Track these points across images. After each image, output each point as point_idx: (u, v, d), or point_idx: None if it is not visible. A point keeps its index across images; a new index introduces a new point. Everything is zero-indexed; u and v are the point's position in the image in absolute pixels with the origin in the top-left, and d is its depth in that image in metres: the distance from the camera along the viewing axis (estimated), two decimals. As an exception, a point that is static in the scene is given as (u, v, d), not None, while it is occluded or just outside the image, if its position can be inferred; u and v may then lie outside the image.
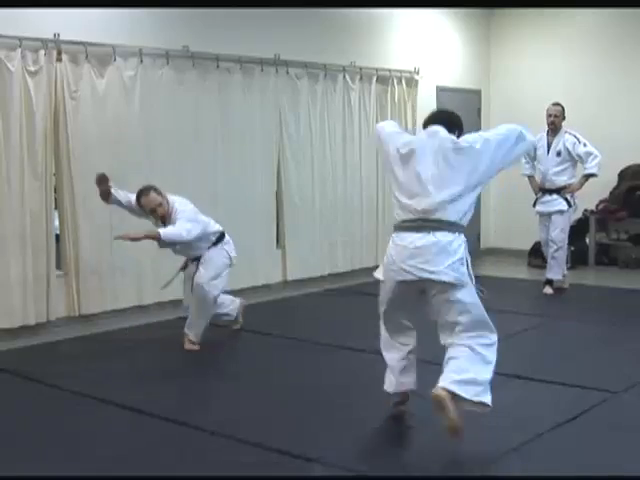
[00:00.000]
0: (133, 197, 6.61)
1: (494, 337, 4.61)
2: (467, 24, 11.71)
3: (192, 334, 6.63)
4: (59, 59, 7.25)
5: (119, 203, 6.70)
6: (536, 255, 11.04)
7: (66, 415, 5.11)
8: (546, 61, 11.52)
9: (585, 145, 8.69)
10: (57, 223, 7.55)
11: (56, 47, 7.23)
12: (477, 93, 12.04)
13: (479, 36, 11.96)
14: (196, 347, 6.58)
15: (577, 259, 10.67)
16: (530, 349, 6.79)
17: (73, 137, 7.40)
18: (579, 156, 8.71)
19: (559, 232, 8.85)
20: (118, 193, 6.65)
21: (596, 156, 8.64)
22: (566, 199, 8.81)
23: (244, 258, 8.77)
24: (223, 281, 6.88)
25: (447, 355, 4.54)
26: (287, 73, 9.15)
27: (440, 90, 11.36)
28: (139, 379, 5.86)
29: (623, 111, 10.73)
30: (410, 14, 10.68)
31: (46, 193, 7.28)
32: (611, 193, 10.79)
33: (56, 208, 7.49)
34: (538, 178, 9.09)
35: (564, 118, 8.88)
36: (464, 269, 4.51)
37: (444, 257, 4.44)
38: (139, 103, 7.89)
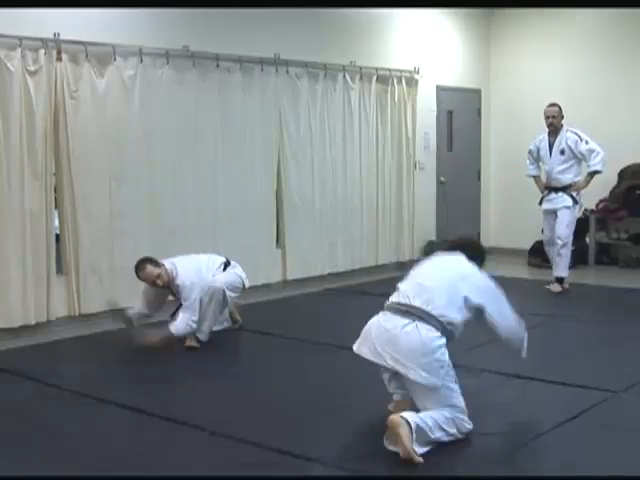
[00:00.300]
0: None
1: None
2: (467, 24, 11.71)
3: (202, 335, 6.67)
4: (59, 59, 7.24)
5: (142, 316, 6.94)
6: (536, 254, 11.05)
7: (66, 415, 5.11)
8: (546, 61, 11.51)
9: (587, 142, 8.70)
10: (57, 223, 7.55)
11: (56, 47, 7.22)
12: (477, 93, 12.04)
13: (479, 36, 11.95)
14: (197, 345, 6.58)
15: (577, 258, 10.66)
16: (530, 349, 6.75)
17: (73, 137, 7.39)
18: (581, 154, 8.72)
19: (565, 228, 8.85)
20: (135, 312, 6.88)
21: (599, 153, 8.64)
22: (572, 196, 8.81)
23: (244, 258, 8.76)
24: (233, 296, 6.97)
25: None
26: (287, 73, 9.15)
27: (440, 90, 11.36)
28: (139, 379, 5.86)
29: (623, 111, 10.73)
30: (410, 14, 10.68)
31: (46, 193, 7.28)
32: (611, 192, 10.79)
33: (56, 208, 7.48)
34: (543, 178, 9.09)
35: (563, 117, 8.88)
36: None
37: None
38: (139, 103, 7.89)
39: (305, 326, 7.53)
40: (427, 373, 4.32)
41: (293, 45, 9.17)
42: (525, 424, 4.76)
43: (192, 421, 4.84)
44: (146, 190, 7.98)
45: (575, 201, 8.84)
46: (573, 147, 8.73)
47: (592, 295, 9.07)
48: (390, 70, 10.37)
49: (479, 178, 12.14)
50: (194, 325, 6.56)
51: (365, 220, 10.29)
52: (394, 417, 4.21)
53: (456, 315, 4.50)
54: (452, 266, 4.70)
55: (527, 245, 11.27)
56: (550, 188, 8.98)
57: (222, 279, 6.77)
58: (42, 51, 7.13)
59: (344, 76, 9.83)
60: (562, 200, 8.87)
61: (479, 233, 12.14)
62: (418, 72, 10.80)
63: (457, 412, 4.41)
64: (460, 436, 4.38)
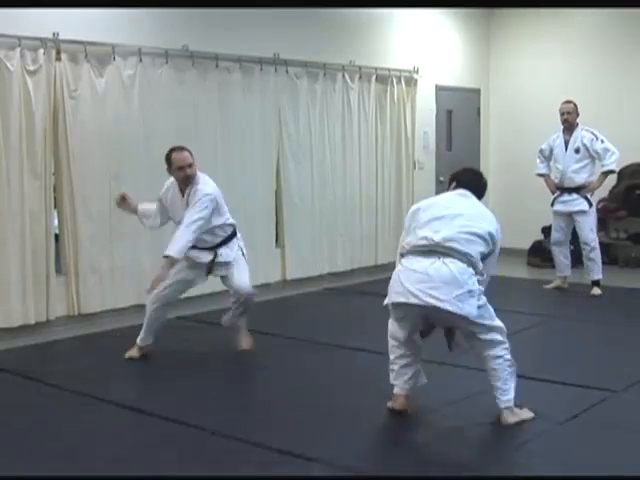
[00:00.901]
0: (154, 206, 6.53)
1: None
2: (467, 23, 11.71)
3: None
4: (58, 58, 7.24)
5: (145, 214, 6.62)
6: (535, 254, 11.06)
7: (66, 414, 5.11)
8: (546, 61, 11.51)
9: (603, 141, 8.64)
10: (56, 222, 7.55)
11: (55, 46, 7.22)
12: (477, 92, 12.04)
13: (479, 35, 11.95)
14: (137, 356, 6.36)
15: (577, 258, 10.66)
16: (530, 348, 6.78)
17: (72, 136, 7.39)
18: (597, 153, 8.65)
19: (589, 232, 8.80)
20: (143, 205, 6.62)
21: (614, 152, 8.60)
22: (586, 198, 8.75)
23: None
24: None
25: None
26: (286, 72, 9.14)
27: (439, 89, 11.36)
28: (139, 378, 5.86)
29: (622, 110, 10.73)
30: (409, 13, 10.68)
31: (45, 193, 7.27)
32: (610, 192, 10.79)
33: (55, 207, 7.48)
34: (555, 177, 9.01)
35: (578, 114, 8.83)
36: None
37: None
38: (138, 102, 7.89)
39: (304, 326, 7.54)
40: (462, 303, 4.50)
41: (292, 45, 9.17)
42: (525, 423, 4.75)
43: (192, 421, 4.84)
44: (146, 190, 7.95)
45: (590, 203, 8.76)
46: (589, 146, 8.66)
47: (591, 295, 9.06)
48: (389, 70, 10.37)
49: (478, 178, 12.12)
50: (192, 240, 6.05)
51: (364, 220, 10.29)
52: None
53: (476, 249, 4.66)
54: (468, 205, 4.94)
55: (526, 245, 11.28)
56: (562, 189, 8.88)
57: (248, 282, 6.45)
58: (41, 51, 7.13)
59: (343, 76, 9.83)
60: (577, 203, 8.77)
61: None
62: (417, 72, 10.80)
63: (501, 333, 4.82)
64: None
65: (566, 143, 8.84)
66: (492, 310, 4.74)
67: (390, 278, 4.81)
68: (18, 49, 6.98)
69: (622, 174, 10.68)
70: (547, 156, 9.05)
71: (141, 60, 7.85)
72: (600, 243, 10.73)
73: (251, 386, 5.66)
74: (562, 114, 8.84)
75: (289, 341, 6.91)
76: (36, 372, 5.98)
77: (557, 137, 8.97)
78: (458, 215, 4.76)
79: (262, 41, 8.87)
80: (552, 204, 9.02)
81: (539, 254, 10.96)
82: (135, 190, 7.84)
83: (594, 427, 4.74)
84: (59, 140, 7.35)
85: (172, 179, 6.29)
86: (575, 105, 8.83)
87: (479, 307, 4.60)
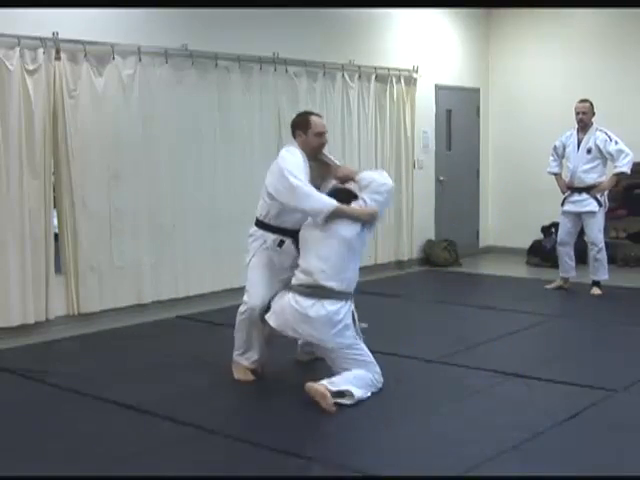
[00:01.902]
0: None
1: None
2: (466, 23, 11.71)
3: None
4: (58, 58, 7.23)
5: None
6: (535, 254, 11.06)
7: (65, 414, 5.11)
8: (545, 60, 11.52)
9: (617, 143, 8.60)
10: (56, 222, 7.54)
11: (55, 46, 7.21)
12: (476, 92, 12.04)
13: (478, 35, 11.95)
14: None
15: (576, 257, 10.66)
16: (529, 347, 6.79)
17: (72, 136, 7.39)
18: (610, 154, 8.61)
19: (597, 233, 8.77)
20: None
21: (628, 154, 8.56)
22: (596, 198, 8.71)
23: (243, 256, 8.77)
24: None
25: None
26: (286, 72, 9.14)
27: (439, 89, 11.36)
28: (138, 378, 5.85)
29: (622, 110, 10.72)
30: (409, 13, 10.67)
31: (45, 192, 7.27)
32: (610, 191, 10.76)
33: (55, 207, 7.47)
34: (566, 176, 8.96)
35: (594, 114, 8.79)
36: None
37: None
38: (138, 102, 7.88)
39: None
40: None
41: (292, 44, 9.16)
42: (525, 423, 4.75)
43: (191, 420, 4.84)
44: (145, 189, 7.97)
45: (600, 203, 8.73)
46: (602, 147, 8.61)
47: (590, 294, 9.06)
48: (389, 69, 10.37)
49: (478, 177, 12.14)
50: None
51: (364, 219, 10.26)
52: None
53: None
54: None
55: (526, 244, 11.27)
56: (573, 188, 8.83)
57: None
58: (41, 50, 7.12)
59: (343, 75, 9.83)
60: (587, 204, 8.74)
61: (478, 232, 12.15)
62: (417, 71, 10.80)
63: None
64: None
65: (579, 142, 8.79)
66: None
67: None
68: (17, 48, 6.97)
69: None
70: (560, 154, 9.00)
71: (140, 59, 7.84)
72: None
73: (250, 385, 5.65)
74: (577, 113, 8.79)
75: (286, 339, 6.89)
76: (35, 372, 5.97)
77: (571, 135, 8.92)
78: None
79: (261, 40, 8.86)
80: (562, 204, 8.98)
81: (538, 253, 10.95)
82: (134, 189, 7.87)
83: (593, 426, 4.74)
84: (58, 139, 7.35)
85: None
86: (591, 104, 8.79)
87: None
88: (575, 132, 8.88)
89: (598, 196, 8.73)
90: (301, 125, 5.59)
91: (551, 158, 9.09)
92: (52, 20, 7.17)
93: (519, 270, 10.65)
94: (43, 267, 7.28)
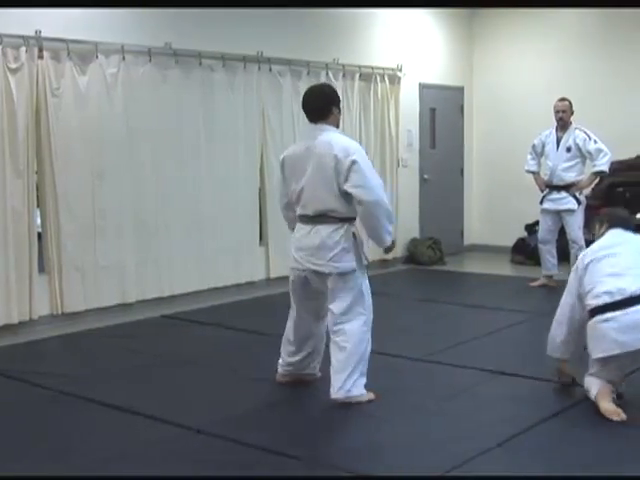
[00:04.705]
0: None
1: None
2: (450, 22, 11.73)
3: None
4: (41, 56, 7.20)
5: None
6: (519, 252, 11.08)
7: (50, 414, 5.08)
8: (529, 59, 11.55)
9: (596, 142, 8.65)
10: (39, 221, 7.51)
11: (38, 44, 7.18)
12: (460, 90, 12.06)
13: (462, 34, 11.97)
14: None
15: (560, 255, 10.69)
16: (514, 345, 6.81)
17: (55, 134, 7.35)
18: (589, 153, 8.66)
19: (577, 231, 8.82)
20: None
21: (606, 154, 8.61)
22: (575, 196, 8.77)
23: (227, 256, 8.78)
24: None
25: None
26: (270, 70, 9.13)
27: (423, 87, 11.38)
28: (123, 377, 5.83)
29: (605, 109, 10.76)
30: (393, 12, 10.67)
31: (28, 191, 7.23)
32: (593, 189, 10.80)
33: (38, 206, 7.44)
34: (545, 175, 9.02)
35: (572, 113, 8.85)
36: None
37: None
38: (121, 100, 7.86)
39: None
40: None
41: (276, 43, 9.16)
42: (510, 419, 4.77)
43: (177, 420, 4.83)
44: (129, 188, 7.95)
45: (579, 201, 8.78)
46: (581, 145, 8.67)
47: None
48: (373, 68, 10.37)
49: (462, 175, 12.17)
50: None
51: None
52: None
53: None
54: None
55: (510, 242, 11.30)
56: (552, 187, 8.89)
57: None
58: (23, 49, 7.09)
59: (327, 74, 9.82)
60: (566, 202, 8.80)
61: (462, 230, 12.18)
62: (401, 70, 10.81)
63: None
64: None
65: (558, 141, 8.86)
66: None
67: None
68: (0, 47, 6.93)
69: (605, 172, 10.72)
70: (539, 152, 9.06)
71: (124, 58, 7.82)
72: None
73: (238, 385, 5.64)
74: (557, 112, 8.85)
75: (274, 339, 6.89)
76: (20, 372, 5.94)
77: (550, 134, 8.98)
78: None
79: (246, 39, 8.85)
80: (541, 202, 9.03)
81: (523, 251, 10.98)
82: (118, 188, 7.85)
83: (578, 423, 4.75)
84: (42, 138, 7.32)
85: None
86: (570, 103, 8.86)
87: None
88: (554, 131, 8.94)
89: (577, 194, 8.80)
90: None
91: (529, 157, 9.15)
92: (35, 18, 7.14)
93: (503, 268, 10.68)
94: (26, 267, 7.25)
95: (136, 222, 8.01)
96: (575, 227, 8.82)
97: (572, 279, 5.18)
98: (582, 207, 8.87)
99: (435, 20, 11.48)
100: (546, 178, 8.98)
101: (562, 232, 9.91)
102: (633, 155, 10.45)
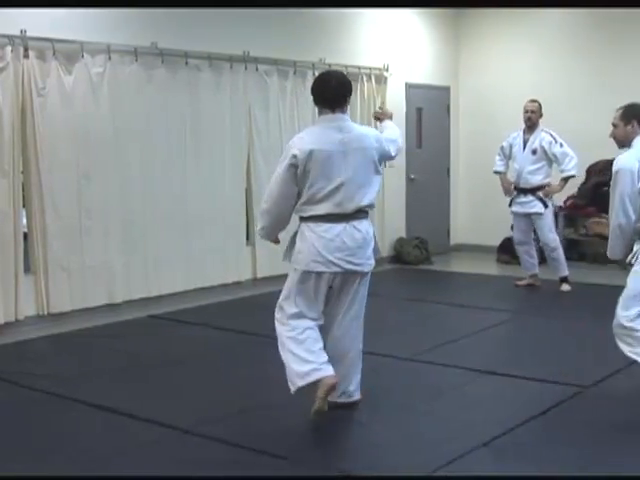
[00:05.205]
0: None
1: None
2: (436, 22, 11.74)
3: None
4: (26, 55, 7.17)
5: None
6: (505, 251, 11.10)
7: (36, 415, 5.07)
8: (514, 59, 11.58)
9: (562, 145, 8.65)
10: (25, 221, 7.48)
11: (23, 44, 7.15)
12: (446, 90, 12.08)
13: (448, 34, 11.99)
14: None
15: (541, 254, 10.74)
16: (500, 345, 6.84)
17: (41, 134, 7.33)
18: (555, 156, 8.66)
19: (548, 233, 8.81)
20: None
21: (573, 157, 8.61)
22: (541, 199, 8.75)
23: (214, 255, 8.77)
24: None
25: None
26: (256, 70, 9.12)
27: (409, 87, 11.39)
28: (110, 378, 5.82)
29: (591, 108, 10.79)
30: (379, 12, 10.67)
31: (13, 191, 7.20)
32: (579, 189, 10.86)
33: (24, 206, 7.41)
34: (512, 176, 9.03)
35: (541, 115, 8.86)
36: None
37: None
38: (107, 100, 7.83)
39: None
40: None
41: (262, 42, 9.14)
42: (496, 419, 4.78)
43: (165, 420, 4.82)
44: (115, 188, 7.93)
45: (545, 204, 8.77)
46: (547, 148, 8.67)
47: (561, 291, 9.12)
48: (360, 67, 10.37)
49: (448, 175, 12.19)
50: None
51: (335, 217, 10.27)
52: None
53: None
54: None
55: (496, 242, 11.33)
56: (519, 189, 8.91)
57: None
58: (9, 48, 7.06)
59: (314, 73, 9.79)
60: (533, 205, 8.78)
61: (448, 230, 12.20)
62: (387, 69, 10.82)
63: None
64: None
65: (525, 143, 8.87)
66: None
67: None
68: (-15, 46, 6.92)
69: (590, 171, 10.76)
70: (507, 154, 9.08)
71: (110, 58, 7.79)
72: (569, 240, 10.86)
73: (223, 384, 5.64)
74: (526, 112, 8.86)
75: (261, 339, 6.89)
76: (5, 372, 5.92)
77: (517, 136, 9.00)
78: None
79: (232, 39, 8.84)
80: (510, 204, 9.05)
81: (509, 251, 10.98)
82: (104, 188, 7.83)
83: (564, 422, 4.78)
84: (27, 138, 7.29)
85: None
86: (540, 105, 8.87)
87: None
88: (521, 133, 8.95)
89: (544, 197, 8.77)
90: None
91: (497, 157, 9.17)
92: (20, 18, 7.10)
93: (489, 267, 10.71)
94: (12, 267, 7.22)
95: (123, 222, 7.99)
96: (545, 230, 8.82)
97: (628, 181, 4.88)
98: (550, 209, 8.87)
99: (421, 20, 11.50)
100: (514, 180, 8.99)
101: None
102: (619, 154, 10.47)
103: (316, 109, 4.95)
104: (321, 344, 4.82)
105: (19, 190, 7.31)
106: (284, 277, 9.31)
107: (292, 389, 4.78)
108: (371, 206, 4.89)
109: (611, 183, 5.02)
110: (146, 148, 8.15)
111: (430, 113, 11.79)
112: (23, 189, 7.38)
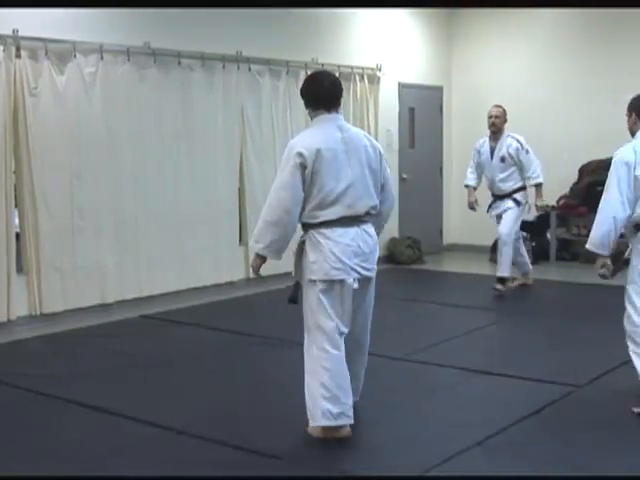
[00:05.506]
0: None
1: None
2: (429, 22, 11.74)
3: None
4: (18, 55, 7.15)
5: None
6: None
7: (29, 415, 5.06)
8: (507, 59, 11.59)
9: (527, 152, 8.52)
10: (17, 221, 7.46)
11: (15, 43, 7.13)
12: (439, 90, 12.08)
13: (441, 34, 12.00)
14: None
15: (538, 255, 10.76)
16: (493, 344, 6.84)
17: (33, 134, 7.31)
18: (521, 162, 8.52)
19: (505, 227, 8.63)
20: None
21: (538, 164, 8.53)
22: (515, 200, 8.64)
23: (207, 255, 8.76)
24: None
25: None
26: (249, 70, 9.11)
27: (402, 87, 11.39)
28: (103, 378, 5.81)
29: (583, 108, 10.82)
30: (372, 12, 10.68)
31: (6, 191, 7.18)
32: (571, 189, 10.89)
33: (16, 206, 7.39)
34: (486, 183, 8.91)
35: (506, 120, 8.72)
36: None
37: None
38: (100, 100, 7.82)
39: (269, 323, 7.52)
40: None
41: (255, 42, 9.14)
42: (489, 418, 4.78)
43: (158, 421, 4.82)
44: (108, 188, 7.91)
45: (518, 203, 8.65)
46: (514, 155, 8.54)
47: (553, 291, 9.15)
48: (352, 67, 10.37)
49: (441, 175, 12.20)
50: None
51: (328, 217, 10.26)
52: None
53: None
54: None
55: (489, 241, 11.33)
56: (495, 196, 8.82)
57: None
58: (1, 48, 7.04)
59: (306, 73, 9.78)
60: (506, 203, 8.70)
61: (441, 230, 12.20)
62: (380, 69, 10.82)
63: None
64: None
65: (492, 150, 8.73)
66: None
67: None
68: (-23, 46, 6.90)
69: (583, 171, 10.78)
70: (477, 162, 8.92)
71: (102, 57, 7.78)
72: (561, 240, 10.89)
73: (216, 385, 5.64)
74: (490, 117, 8.72)
75: (254, 339, 6.89)
76: (-2, 373, 5.92)
77: (484, 142, 8.88)
78: None
79: (225, 39, 8.83)
80: (487, 210, 8.95)
81: (501, 251, 11.02)
82: (97, 188, 7.82)
83: (557, 422, 4.78)
84: (19, 138, 7.27)
85: None
86: (504, 110, 8.72)
87: None
88: (487, 139, 8.83)
89: (517, 197, 8.65)
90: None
91: (469, 169, 9.02)
92: (12, 17, 7.09)
93: (482, 267, 10.71)
94: (4, 267, 7.19)
95: (115, 222, 7.97)
96: (508, 220, 8.65)
97: (623, 173, 4.92)
98: (521, 208, 8.72)
99: (414, 20, 11.50)
100: (488, 187, 8.89)
101: (539, 231, 9.98)
102: (612, 154, 10.49)
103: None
104: (349, 378, 4.57)
105: (11, 190, 7.29)
106: (277, 277, 9.35)
107: (312, 424, 4.52)
108: (377, 207, 4.69)
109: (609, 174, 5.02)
110: (139, 148, 8.14)
111: (423, 113, 11.80)
112: (15, 189, 7.36)
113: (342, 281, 4.45)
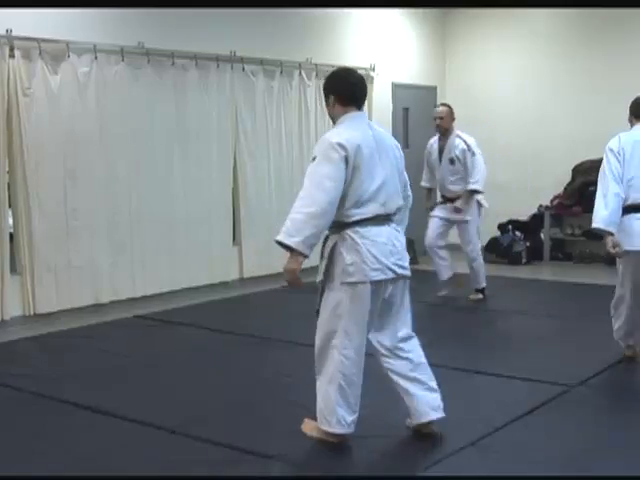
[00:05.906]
0: None
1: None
2: (423, 22, 11.75)
3: None
4: (11, 55, 7.14)
5: None
6: (491, 251, 11.12)
7: (22, 415, 5.05)
8: (501, 59, 11.61)
9: (474, 154, 8.07)
10: (11, 221, 7.45)
11: (8, 43, 7.12)
12: (433, 90, 12.08)
13: (435, 34, 12.01)
14: None
15: (532, 254, 10.78)
16: (486, 344, 6.84)
17: (27, 134, 7.30)
18: (465, 165, 8.11)
19: (467, 243, 8.33)
20: None
21: (480, 170, 8.06)
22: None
23: (201, 255, 8.76)
24: None
25: None
26: (243, 70, 9.11)
27: (396, 87, 11.39)
28: (97, 378, 5.81)
29: (576, 108, 10.85)
30: (366, 11, 10.68)
31: (-1, 191, 7.19)
32: (565, 189, 10.91)
33: (10, 206, 7.38)
34: (437, 185, 8.54)
35: (453, 119, 8.34)
36: None
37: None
38: (94, 100, 7.81)
39: (263, 323, 7.53)
40: None
41: (249, 42, 9.14)
42: (482, 418, 4.79)
43: (151, 420, 4.81)
44: (102, 188, 7.91)
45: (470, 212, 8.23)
46: (461, 157, 8.12)
47: (547, 290, 9.16)
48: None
49: (435, 175, 12.19)
50: None
51: (322, 217, 10.26)
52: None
53: None
54: None
55: (483, 241, 11.32)
56: (445, 198, 8.41)
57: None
58: (-6, 47, 7.05)
59: (300, 73, 9.82)
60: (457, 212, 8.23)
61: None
62: (374, 69, 10.82)
63: None
64: None
65: (440, 151, 8.30)
66: None
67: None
68: (-30, 46, 6.89)
69: (576, 171, 10.80)
70: (427, 163, 8.57)
71: (96, 57, 7.77)
72: (555, 239, 10.90)
73: (210, 385, 5.63)
74: (434, 119, 8.31)
75: (247, 339, 6.89)
76: (-8, 373, 5.91)
77: (434, 142, 8.45)
78: None
79: (218, 39, 8.83)
80: (432, 209, 8.53)
81: (495, 250, 11.03)
82: (91, 188, 7.81)
83: (551, 421, 4.79)
84: (13, 138, 7.26)
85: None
86: (450, 109, 8.29)
87: None
88: (437, 139, 8.41)
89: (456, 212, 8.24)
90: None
91: (425, 170, 8.63)
92: (6, 17, 7.08)
93: (476, 267, 10.71)
94: (-2, 267, 7.20)
95: (109, 222, 7.97)
96: (470, 236, 8.32)
97: (614, 161, 5.54)
98: (476, 218, 8.31)
99: (408, 20, 11.51)
100: (438, 189, 8.52)
101: (533, 231, 9.96)
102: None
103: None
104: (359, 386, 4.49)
105: (5, 190, 7.28)
106: (270, 277, 9.34)
107: (324, 428, 4.40)
108: (402, 207, 4.60)
109: None
110: (132, 148, 8.13)
111: (417, 113, 11.79)
112: (9, 189, 7.36)
113: (378, 283, 4.32)
